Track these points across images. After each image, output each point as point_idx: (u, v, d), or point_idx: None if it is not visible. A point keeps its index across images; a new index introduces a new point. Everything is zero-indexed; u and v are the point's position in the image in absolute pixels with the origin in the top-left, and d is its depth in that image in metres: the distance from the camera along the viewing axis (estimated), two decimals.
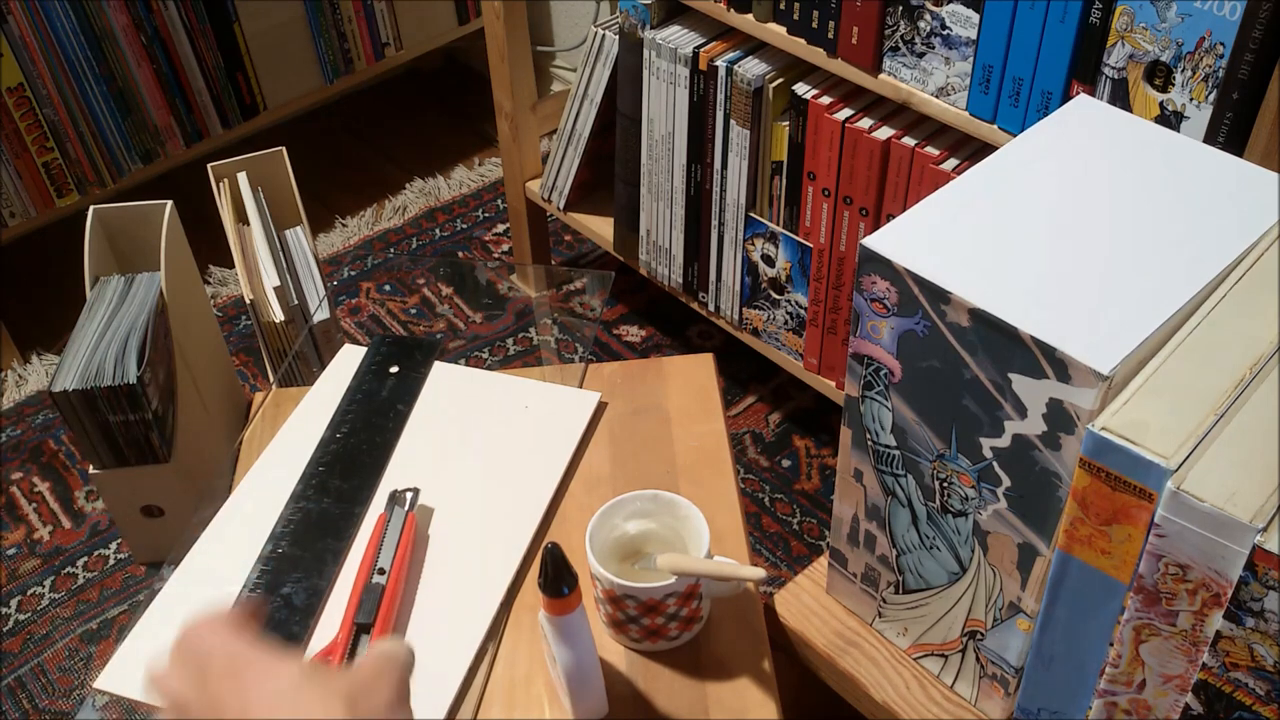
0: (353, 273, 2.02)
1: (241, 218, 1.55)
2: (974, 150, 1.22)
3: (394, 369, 0.96)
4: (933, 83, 1.18)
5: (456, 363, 0.98)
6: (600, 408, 0.93)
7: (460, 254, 2.05)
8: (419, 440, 0.91)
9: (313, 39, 2.04)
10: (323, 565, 0.81)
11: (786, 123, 1.36)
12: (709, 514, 0.76)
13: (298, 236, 1.58)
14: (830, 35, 1.25)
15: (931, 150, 1.23)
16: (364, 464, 0.89)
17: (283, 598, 0.79)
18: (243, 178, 1.57)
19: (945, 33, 1.14)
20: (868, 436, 0.71)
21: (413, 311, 1.92)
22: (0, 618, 1.49)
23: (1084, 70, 1.06)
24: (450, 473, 0.88)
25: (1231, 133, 0.97)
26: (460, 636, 0.77)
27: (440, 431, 0.91)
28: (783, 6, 1.29)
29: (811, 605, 0.84)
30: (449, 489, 0.87)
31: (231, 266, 2.00)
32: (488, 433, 0.91)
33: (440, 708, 0.73)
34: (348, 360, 0.98)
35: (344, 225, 2.12)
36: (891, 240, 0.63)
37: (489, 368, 1.33)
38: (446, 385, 0.95)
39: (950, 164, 1.22)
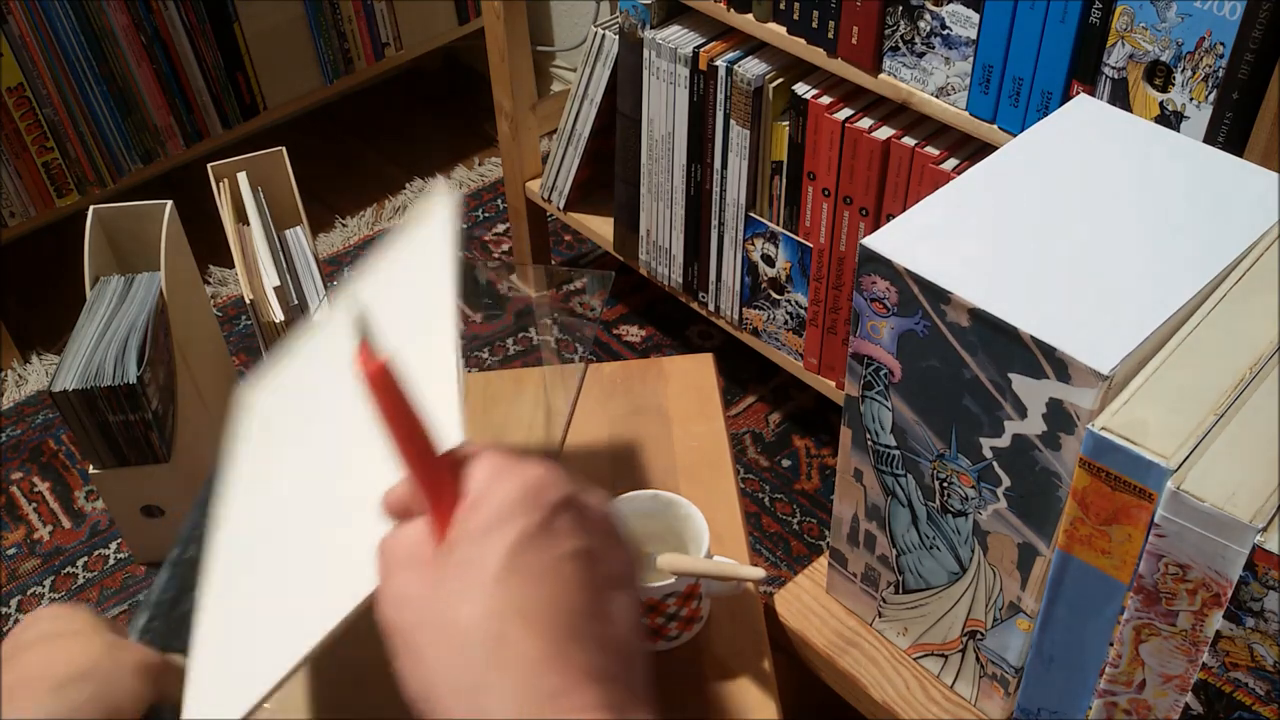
0: (353, 273, 2.02)
1: (241, 218, 1.55)
2: (974, 150, 1.22)
3: None
4: (933, 83, 1.18)
5: None
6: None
7: (460, 254, 2.05)
8: None
9: (313, 39, 2.04)
10: None
11: (786, 123, 1.36)
12: (709, 514, 0.76)
13: (298, 236, 1.58)
14: (830, 35, 1.25)
15: (931, 150, 1.23)
16: None
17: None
18: (243, 178, 1.57)
19: (945, 33, 1.14)
20: (868, 436, 0.71)
21: None
22: (0, 618, 1.49)
23: (1084, 70, 1.06)
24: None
25: (1231, 133, 0.97)
26: None
27: None
28: (783, 6, 1.29)
29: (811, 605, 0.84)
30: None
31: (231, 266, 2.00)
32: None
33: None
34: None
35: (344, 225, 2.12)
36: (891, 240, 0.63)
37: (489, 367, 1.33)
38: None
39: (950, 164, 1.22)
